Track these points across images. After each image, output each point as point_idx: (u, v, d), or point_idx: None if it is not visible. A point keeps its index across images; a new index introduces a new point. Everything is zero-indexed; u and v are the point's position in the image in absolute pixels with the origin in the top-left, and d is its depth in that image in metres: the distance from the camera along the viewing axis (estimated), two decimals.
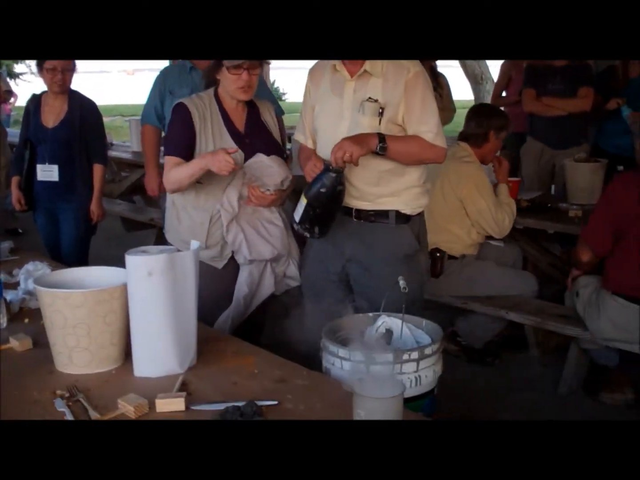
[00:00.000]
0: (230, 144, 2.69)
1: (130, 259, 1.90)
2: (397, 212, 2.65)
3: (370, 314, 2.38)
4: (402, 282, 2.28)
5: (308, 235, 2.64)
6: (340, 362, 2.12)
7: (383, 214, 2.65)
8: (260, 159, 2.73)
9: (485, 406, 3.45)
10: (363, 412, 1.54)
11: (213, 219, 2.74)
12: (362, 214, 2.67)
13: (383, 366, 1.71)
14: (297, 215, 2.59)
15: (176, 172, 2.65)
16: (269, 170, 2.72)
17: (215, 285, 2.75)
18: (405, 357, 2.10)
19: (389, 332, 2.32)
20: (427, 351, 2.14)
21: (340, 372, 2.10)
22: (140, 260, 1.88)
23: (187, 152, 2.70)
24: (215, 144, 2.68)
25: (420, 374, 2.12)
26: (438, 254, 3.72)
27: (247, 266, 2.77)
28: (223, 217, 2.72)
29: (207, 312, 2.60)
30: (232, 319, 2.74)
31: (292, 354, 2.12)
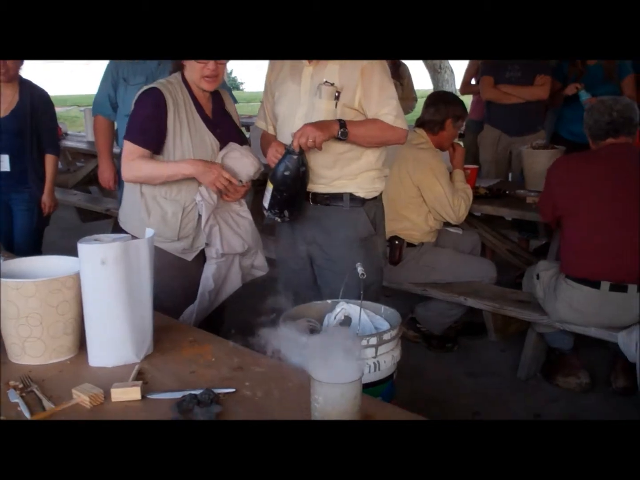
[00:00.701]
0: (204, 131, 2.64)
1: (82, 247, 1.86)
2: (351, 195, 2.69)
3: (329, 301, 2.39)
4: (360, 269, 2.29)
5: (279, 220, 2.66)
6: (298, 348, 2.10)
7: (337, 197, 2.69)
8: (234, 147, 2.69)
9: (445, 391, 3.49)
10: (321, 397, 1.53)
11: (186, 210, 2.66)
12: (317, 198, 2.72)
13: (341, 352, 1.71)
14: (266, 201, 2.61)
15: (152, 168, 2.54)
16: (243, 161, 2.68)
17: (184, 278, 2.71)
18: (364, 343, 2.11)
19: (347, 319, 2.33)
20: (386, 337, 2.15)
21: (299, 359, 2.08)
22: (93, 249, 1.85)
23: (157, 144, 2.58)
24: (190, 131, 2.61)
25: (379, 359, 2.13)
26: (396, 242, 3.74)
27: (215, 260, 2.73)
28: (204, 210, 2.64)
29: (175, 306, 2.60)
30: (196, 314, 2.70)
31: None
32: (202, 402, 1.69)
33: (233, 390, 1.79)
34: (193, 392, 1.72)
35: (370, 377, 2.11)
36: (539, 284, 3.45)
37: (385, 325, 2.29)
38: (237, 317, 3.28)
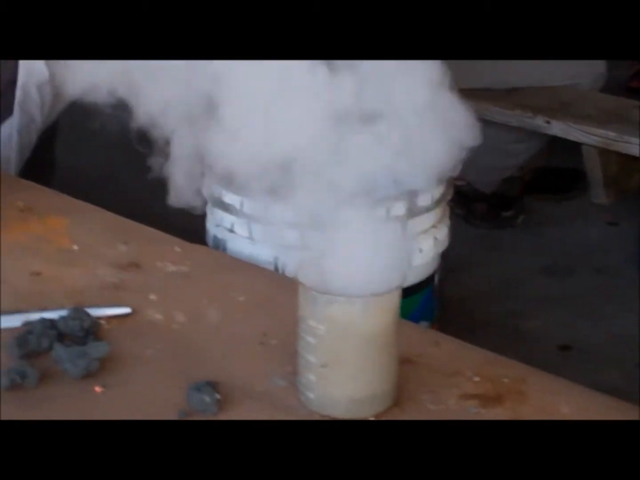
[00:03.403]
0: None
1: None
2: None
3: None
4: None
5: None
6: (247, 224, 2.13)
7: None
8: None
9: (502, 302, 3.63)
10: (323, 326, 1.53)
11: None
12: None
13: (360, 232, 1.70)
14: None
15: None
16: None
17: None
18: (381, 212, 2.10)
19: None
20: (423, 200, 2.19)
21: (249, 244, 2.13)
22: None
23: None
24: None
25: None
26: None
27: None
28: None
29: None
30: (20, 133, 2.72)
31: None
32: (69, 336, 1.70)
33: (127, 310, 1.82)
34: (45, 314, 1.73)
35: None
36: None
37: (415, 176, 2.27)
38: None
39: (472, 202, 4.05)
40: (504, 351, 1.79)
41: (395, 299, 1.57)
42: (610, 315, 3.54)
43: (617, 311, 3.57)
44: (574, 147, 3.82)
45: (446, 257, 3.44)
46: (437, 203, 2.23)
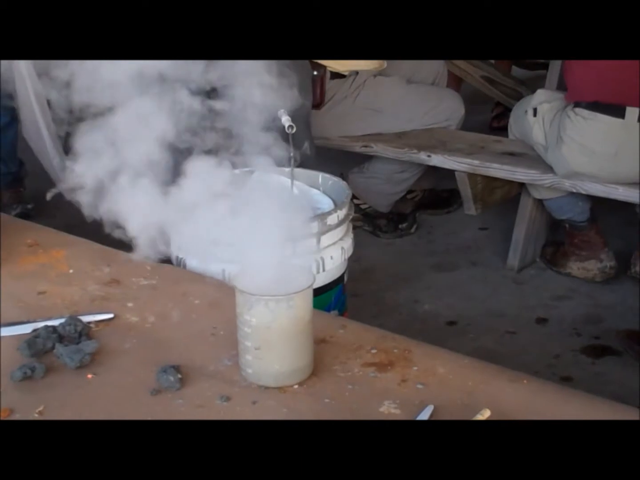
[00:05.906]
0: None
1: None
2: None
3: (238, 171, 2.34)
4: (285, 117, 2.23)
5: None
6: (200, 247, 2.08)
7: None
8: None
9: (403, 294, 3.62)
10: (255, 319, 1.56)
11: None
12: None
13: (272, 249, 1.72)
14: None
15: None
16: None
17: None
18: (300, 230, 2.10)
19: None
20: (331, 220, 2.18)
21: (201, 260, 2.13)
22: None
23: None
24: None
25: (323, 255, 2.16)
26: (314, 72, 3.54)
27: None
28: None
29: None
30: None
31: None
32: (67, 337, 1.70)
33: (110, 315, 1.82)
34: (49, 322, 1.73)
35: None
36: (538, 124, 3.48)
37: (326, 203, 2.31)
38: None
39: (375, 219, 4.07)
40: (405, 328, 1.78)
41: (308, 297, 1.59)
42: (484, 297, 3.57)
43: (488, 293, 3.60)
44: (451, 174, 3.84)
45: (359, 262, 3.51)
46: (342, 221, 2.22)
